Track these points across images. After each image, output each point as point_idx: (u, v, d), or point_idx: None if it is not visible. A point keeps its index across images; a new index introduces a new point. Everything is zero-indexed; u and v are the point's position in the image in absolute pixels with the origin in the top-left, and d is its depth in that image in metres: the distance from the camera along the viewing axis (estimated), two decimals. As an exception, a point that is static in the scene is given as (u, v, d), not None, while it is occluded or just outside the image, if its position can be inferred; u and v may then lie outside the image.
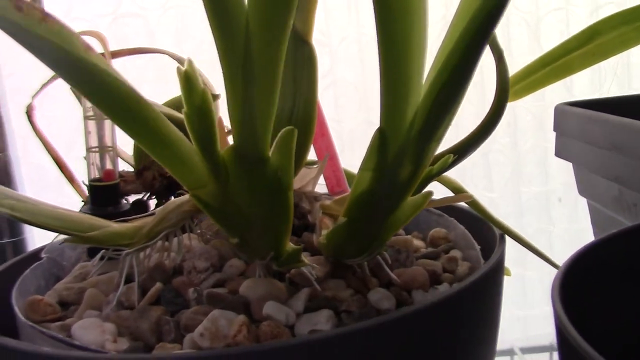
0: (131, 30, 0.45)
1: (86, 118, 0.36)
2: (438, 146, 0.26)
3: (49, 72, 0.61)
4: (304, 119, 0.39)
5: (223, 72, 0.19)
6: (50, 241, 0.44)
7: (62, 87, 0.52)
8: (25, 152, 0.57)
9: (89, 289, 0.34)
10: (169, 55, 0.48)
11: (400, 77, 0.22)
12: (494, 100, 0.32)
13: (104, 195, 0.37)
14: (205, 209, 0.25)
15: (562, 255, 0.33)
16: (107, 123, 0.37)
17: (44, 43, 0.17)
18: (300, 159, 0.39)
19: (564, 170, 0.68)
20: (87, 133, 0.36)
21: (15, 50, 0.61)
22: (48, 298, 0.35)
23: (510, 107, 0.54)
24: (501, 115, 0.33)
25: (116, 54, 0.47)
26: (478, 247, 0.37)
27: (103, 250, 0.33)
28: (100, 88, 0.18)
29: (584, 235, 0.66)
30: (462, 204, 0.41)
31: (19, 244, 0.55)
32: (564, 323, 0.19)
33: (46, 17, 0.17)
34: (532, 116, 0.65)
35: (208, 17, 0.18)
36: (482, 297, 0.31)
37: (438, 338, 0.28)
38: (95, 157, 0.36)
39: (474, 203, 0.36)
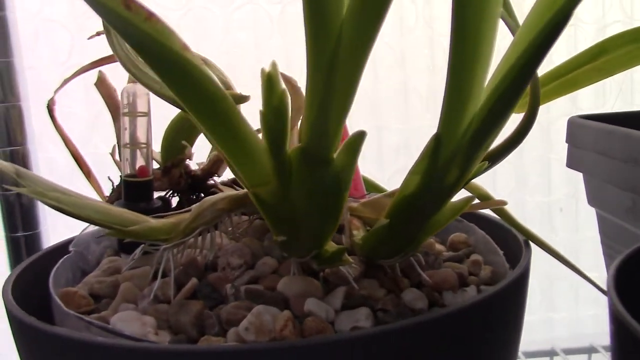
0: None
1: (123, 115, 0.36)
2: (484, 154, 0.28)
3: (66, 68, 0.62)
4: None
5: (308, 74, 0.20)
6: (69, 235, 0.45)
7: (76, 83, 0.52)
8: (36, 146, 0.57)
9: (124, 283, 0.35)
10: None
11: (465, 87, 0.23)
12: (527, 108, 0.33)
13: (137, 191, 0.37)
14: (261, 206, 0.26)
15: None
16: (142, 120, 0.37)
17: (147, 39, 0.18)
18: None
19: (567, 182, 0.70)
20: (122, 129, 0.37)
21: (34, 45, 0.60)
22: (80, 290, 0.36)
23: (517, 118, 0.55)
24: (533, 122, 0.34)
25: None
26: (501, 252, 0.38)
27: (143, 245, 0.34)
28: (191, 84, 0.19)
29: (584, 244, 0.68)
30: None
31: (33, 238, 0.55)
32: (620, 310, 0.20)
33: (151, 16, 0.17)
34: (539, 128, 0.66)
35: (305, 21, 0.19)
36: (512, 301, 0.32)
37: (471, 339, 0.29)
38: (129, 153, 0.37)
39: (500, 209, 0.37)
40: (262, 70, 0.21)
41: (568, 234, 0.68)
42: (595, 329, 0.70)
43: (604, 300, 0.73)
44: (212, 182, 0.46)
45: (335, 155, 0.24)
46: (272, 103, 0.21)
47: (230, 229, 0.39)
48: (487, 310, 0.30)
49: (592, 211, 0.73)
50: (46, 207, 0.58)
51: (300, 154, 0.23)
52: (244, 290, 0.32)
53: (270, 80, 0.21)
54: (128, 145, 0.36)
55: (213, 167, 0.45)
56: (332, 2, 0.18)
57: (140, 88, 0.37)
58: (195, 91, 0.20)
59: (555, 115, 0.65)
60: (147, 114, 0.37)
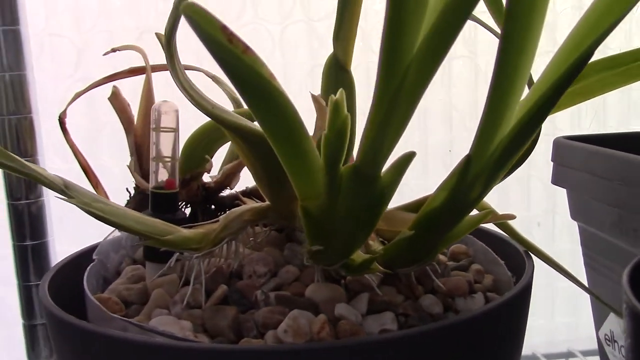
0: (155, 46, 0.47)
1: (153, 130, 0.38)
2: (504, 173, 0.31)
3: (73, 81, 0.63)
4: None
5: (373, 102, 0.23)
6: (72, 245, 0.46)
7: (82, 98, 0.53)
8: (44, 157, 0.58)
9: (156, 290, 0.37)
10: (204, 72, 0.51)
11: (499, 115, 0.26)
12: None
13: (164, 202, 0.39)
14: (306, 218, 0.29)
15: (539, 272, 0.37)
16: (169, 135, 0.39)
17: (244, 68, 0.20)
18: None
19: (544, 198, 0.75)
20: (152, 143, 0.39)
21: (39, 58, 0.61)
22: (112, 297, 0.37)
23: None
24: (536, 142, 0.37)
25: (155, 69, 0.50)
26: (502, 262, 0.41)
27: (176, 253, 0.36)
28: (274, 107, 0.21)
29: (561, 255, 0.72)
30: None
31: (40, 247, 0.56)
32: (637, 306, 0.23)
33: (247, 49, 0.20)
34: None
35: (381, 56, 0.21)
36: (521, 307, 0.35)
37: (492, 339, 0.32)
38: (156, 166, 0.39)
39: (502, 222, 0.40)
40: (331, 98, 0.23)
41: (545, 247, 0.72)
42: (570, 335, 0.75)
43: (578, 308, 0.77)
44: (224, 194, 0.48)
45: (382, 173, 0.27)
46: (336, 126, 0.24)
47: (251, 239, 0.41)
48: (508, 313, 0.34)
49: (567, 225, 0.77)
50: (52, 217, 0.60)
51: (352, 171, 0.26)
52: (273, 296, 0.35)
53: (336, 106, 0.23)
54: (166, 159, 0.38)
55: (226, 180, 0.47)
56: (406, 45, 0.21)
57: (170, 105, 0.39)
58: (277, 115, 0.22)
59: (535, 135, 0.70)
60: (175, 130, 0.39)
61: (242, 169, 0.48)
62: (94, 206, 0.33)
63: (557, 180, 0.52)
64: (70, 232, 0.61)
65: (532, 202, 0.73)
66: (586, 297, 0.78)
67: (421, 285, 0.37)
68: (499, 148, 0.28)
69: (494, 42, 0.27)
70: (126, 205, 0.46)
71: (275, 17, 0.62)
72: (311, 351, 0.28)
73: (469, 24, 0.33)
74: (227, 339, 0.32)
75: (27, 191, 0.54)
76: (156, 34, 0.29)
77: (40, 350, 0.57)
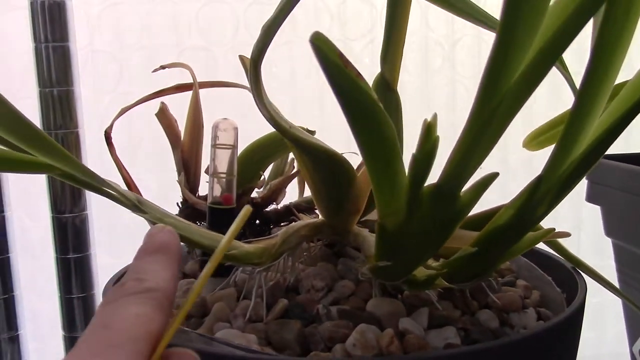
0: (194, 63, 0.49)
1: (213, 147, 0.39)
2: (568, 193, 0.32)
3: (115, 96, 0.63)
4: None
5: (466, 126, 0.24)
6: (110, 259, 0.47)
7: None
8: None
9: (217, 303, 0.37)
10: (248, 89, 0.52)
11: (577, 134, 0.27)
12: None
13: (222, 217, 0.40)
14: (382, 234, 0.30)
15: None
16: (225, 152, 0.40)
17: (355, 91, 0.21)
18: (362, 194, 0.44)
19: (571, 214, 0.76)
20: (211, 159, 0.39)
21: (82, 74, 0.62)
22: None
23: (529, 157, 0.60)
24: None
25: (202, 85, 0.51)
26: (549, 278, 0.42)
27: (240, 268, 0.37)
28: (377, 125, 0.22)
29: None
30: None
31: (82, 260, 0.56)
32: None
33: (359, 74, 0.21)
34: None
35: (481, 85, 0.22)
36: (578, 322, 0.36)
37: (554, 355, 0.33)
38: (216, 182, 0.40)
39: (551, 240, 0.41)
40: (425, 120, 0.24)
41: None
42: (595, 350, 0.75)
43: (605, 324, 0.78)
44: (271, 208, 0.49)
45: (461, 192, 0.27)
46: (426, 147, 0.25)
47: (305, 254, 0.42)
48: (570, 328, 0.35)
49: (593, 241, 0.78)
50: (95, 231, 0.60)
51: (435, 190, 0.27)
52: (335, 310, 0.36)
53: (429, 128, 0.24)
54: (221, 175, 0.39)
55: (272, 195, 0.48)
56: (506, 75, 0.22)
57: (229, 123, 0.40)
58: (379, 136, 0.23)
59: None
60: (233, 147, 0.40)
61: (287, 185, 0.49)
62: (166, 221, 0.33)
63: (591, 197, 0.53)
64: (110, 246, 0.62)
65: (559, 218, 0.74)
66: (613, 312, 0.78)
67: (475, 300, 0.38)
68: (569, 169, 0.29)
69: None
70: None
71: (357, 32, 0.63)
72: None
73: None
74: (294, 353, 0.33)
75: (71, 204, 0.55)
76: (240, 56, 0.30)
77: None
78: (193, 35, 0.62)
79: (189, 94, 0.52)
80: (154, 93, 0.51)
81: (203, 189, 0.49)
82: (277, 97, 0.48)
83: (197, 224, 0.44)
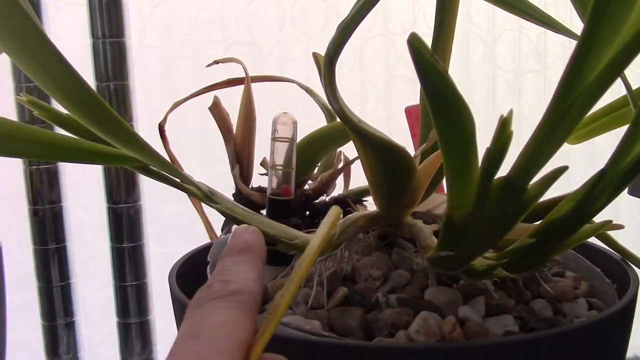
0: (241, 57, 0.50)
1: (273, 140, 0.41)
2: (627, 186, 0.33)
3: (165, 92, 0.65)
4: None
5: (541, 122, 0.25)
6: (161, 249, 0.48)
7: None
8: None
9: (279, 291, 0.39)
10: (297, 84, 0.53)
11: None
12: None
13: (281, 208, 0.41)
14: (447, 226, 0.31)
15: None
16: (284, 145, 0.42)
17: (443, 87, 0.22)
18: (435, 186, 0.45)
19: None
20: (271, 152, 0.41)
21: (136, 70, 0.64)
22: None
23: (566, 149, 0.61)
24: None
25: (254, 79, 0.52)
26: (598, 269, 0.43)
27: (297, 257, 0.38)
28: (461, 124, 0.24)
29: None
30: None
31: (136, 249, 0.58)
32: None
33: (446, 71, 0.22)
34: (584, 159, 0.72)
35: (564, 74, 0.23)
36: (632, 311, 0.37)
37: (610, 343, 0.34)
38: (276, 174, 0.41)
39: (601, 233, 0.42)
40: (501, 116, 0.25)
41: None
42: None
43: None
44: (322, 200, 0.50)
45: (529, 185, 0.29)
46: (500, 141, 0.26)
47: (359, 244, 0.43)
48: (626, 317, 0.36)
49: (628, 235, 0.79)
50: (147, 222, 0.62)
51: (504, 183, 0.28)
52: (394, 298, 0.37)
53: (505, 123, 0.25)
54: (278, 167, 0.41)
55: (323, 187, 0.50)
56: (586, 72, 0.23)
57: (289, 117, 0.41)
58: (461, 130, 0.24)
59: (600, 148, 0.72)
60: (291, 140, 0.41)
61: (337, 178, 0.51)
62: (236, 211, 0.35)
63: (633, 190, 0.54)
64: (156, 236, 0.63)
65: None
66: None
67: (528, 290, 0.39)
68: (630, 162, 0.30)
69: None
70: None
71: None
72: (455, 350, 0.30)
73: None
74: (358, 338, 0.35)
75: (126, 195, 0.56)
76: (314, 54, 0.31)
77: (133, 346, 0.59)
78: (240, 31, 0.64)
79: (234, 89, 0.54)
80: (206, 87, 0.53)
81: (256, 181, 0.51)
82: (319, 91, 0.49)
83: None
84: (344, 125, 0.45)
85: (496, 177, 0.28)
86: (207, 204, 0.34)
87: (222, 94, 0.53)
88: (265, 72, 0.57)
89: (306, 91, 0.53)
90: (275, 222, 0.37)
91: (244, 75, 0.54)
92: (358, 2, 0.28)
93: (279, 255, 0.41)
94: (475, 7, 0.68)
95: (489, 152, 0.26)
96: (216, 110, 0.51)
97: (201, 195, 0.34)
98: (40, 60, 0.25)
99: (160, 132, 0.53)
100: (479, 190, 0.28)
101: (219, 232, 0.56)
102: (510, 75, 0.68)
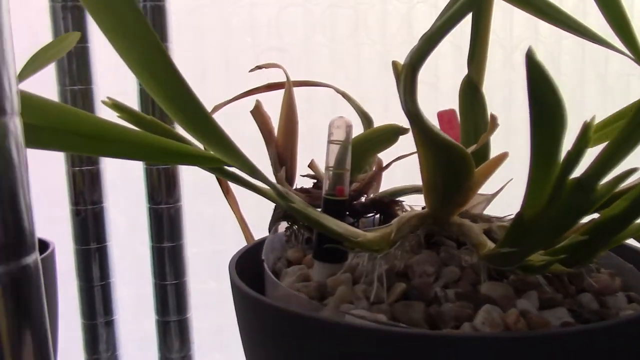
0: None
1: (329, 142, 0.42)
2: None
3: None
4: (483, 153, 0.48)
5: (627, 124, 0.27)
6: (197, 248, 0.50)
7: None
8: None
9: (341, 286, 0.41)
10: (334, 89, 0.55)
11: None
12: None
13: (336, 208, 0.43)
14: (517, 224, 0.33)
15: None
16: (337, 147, 0.43)
17: (553, 99, 0.24)
18: (475, 187, 0.47)
19: None
20: (327, 154, 0.43)
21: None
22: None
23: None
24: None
25: (296, 84, 0.54)
26: (631, 265, 0.46)
27: (354, 254, 0.40)
28: (559, 131, 0.26)
29: None
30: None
31: (176, 249, 0.59)
32: None
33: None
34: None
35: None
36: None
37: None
38: (330, 175, 0.43)
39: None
40: (585, 122, 0.28)
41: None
42: None
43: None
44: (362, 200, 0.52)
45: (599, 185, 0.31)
46: (581, 145, 0.28)
47: (411, 242, 0.45)
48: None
49: None
50: (186, 221, 0.63)
51: (577, 182, 0.30)
52: (452, 293, 0.39)
53: (587, 128, 0.28)
54: (330, 169, 0.43)
55: (365, 187, 0.52)
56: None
57: (343, 121, 0.43)
58: (557, 136, 0.26)
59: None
60: (346, 143, 0.43)
61: (376, 179, 0.53)
62: (308, 210, 0.37)
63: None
64: (197, 235, 0.65)
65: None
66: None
67: (572, 284, 0.42)
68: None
69: None
70: (275, 208, 0.50)
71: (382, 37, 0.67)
72: (525, 339, 0.32)
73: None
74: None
75: (166, 196, 0.58)
76: (394, 62, 0.33)
77: (172, 344, 0.60)
78: (272, 37, 0.65)
79: (268, 93, 0.56)
80: (246, 92, 0.54)
81: (299, 183, 0.53)
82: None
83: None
84: (388, 128, 0.47)
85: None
86: (282, 203, 0.35)
87: (250, 100, 0.55)
88: (293, 77, 0.58)
89: (342, 96, 0.55)
90: (339, 222, 0.39)
91: (279, 80, 0.56)
92: (444, 15, 0.30)
93: (333, 253, 0.43)
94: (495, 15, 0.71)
95: (570, 155, 0.28)
96: (258, 114, 0.53)
97: (276, 197, 0.36)
98: (169, 91, 0.28)
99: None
100: (554, 190, 0.30)
101: (254, 232, 0.57)
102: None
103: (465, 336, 0.32)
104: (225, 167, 0.35)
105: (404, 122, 0.52)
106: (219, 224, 0.64)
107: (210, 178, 0.56)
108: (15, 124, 0.17)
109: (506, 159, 0.41)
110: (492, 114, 0.40)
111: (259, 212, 0.55)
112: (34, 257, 0.17)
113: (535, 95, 0.24)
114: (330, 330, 0.34)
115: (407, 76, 0.31)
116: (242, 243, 0.63)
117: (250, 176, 0.34)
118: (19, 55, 0.22)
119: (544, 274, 0.41)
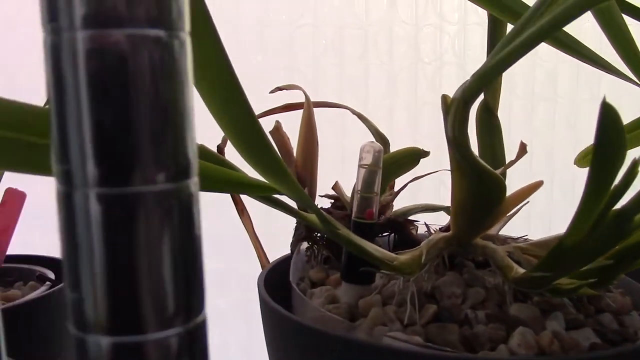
0: (301, 83, 0.53)
1: (360, 166, 0.44)
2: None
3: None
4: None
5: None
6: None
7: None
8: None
9: (374, 308, 0.42)
10: (350, 110, 0.56)
11: None
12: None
13: (365, 230, 0.44)
14: (557, 249, 0.35)
15: None
16: (365, 171, 0.45)
17: (618, 141, 0.26)
18: (505, 212, 0.49)
19: None
20: (357, 178, 0.44)
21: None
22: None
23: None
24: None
25: (316, 105, 0.55)
26: (639, 284, 0.48)
27: (382, 276, 0.41)
28: (618, 166, 0.28)
29: None
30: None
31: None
32: None
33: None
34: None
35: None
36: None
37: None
38: (359, 199, 0.44)
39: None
40: (634, 159, 0.29)
41: None
42: None
43: None
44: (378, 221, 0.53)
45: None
46: (628, 179, 0.30)
47: (434, 264, 0.47)
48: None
49: None
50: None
51: (618, 213, 0.32)
52: (483, 314, 0.40)
53: (635, 165, 0.29)
54: (358, 192, 0.44)
55: (382, 208, 0.53)
56: None
57: (372, 146, 0.44)
58: (615, 169, 0.28)
59: None
60: (373, 167, 0.44)
61: (394, 199, 0.54)
62: (343, 232, 0.38)
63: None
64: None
65: None
66: None
67: (591, 304, 0.44)
68: None
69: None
70: (295, 229, 0.51)
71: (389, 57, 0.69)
72: (565, 361, 0.34)
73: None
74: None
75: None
76: (443, 96, 0.34)
77: None
78: (306, 58, 0.66)
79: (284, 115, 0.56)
80: (264, 112, 0.55)
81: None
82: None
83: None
84: (411, 151, 0.48)
85: (611, 209, 0.32)
86: (321, 225, 0.36)
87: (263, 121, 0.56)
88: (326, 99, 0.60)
89: (358, 117, 0.56)
90: (376, 247, 0.40)
91: (287, 100, 0.57)
92: (497, 53, 0.31)
93: (363, 275, 0.44)
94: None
95: (617, 188, 0.30)
96: (277, 134, 0.54)
97: (319, 223, 0.37)
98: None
99: (220, 153, 0.55)
100: (597, 220, 0.32)
101: (269, 253, 0.58)
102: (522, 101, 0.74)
103: (511, 360, 0.33)
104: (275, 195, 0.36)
105: (408, 143, 0.53)
106: (227, 241, 0.64)
107: (216, 197, 0.57)
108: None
109: (540, 187, 0.42)
110: (522, 142, 0.42)
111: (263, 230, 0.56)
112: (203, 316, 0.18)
113: (602, 134, 0.26)
114: (370, 352, 0.35)
115: (457, 109, 0.32)
116: (247, 261, 0.63)
117: (298, 203, 0.34)
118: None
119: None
